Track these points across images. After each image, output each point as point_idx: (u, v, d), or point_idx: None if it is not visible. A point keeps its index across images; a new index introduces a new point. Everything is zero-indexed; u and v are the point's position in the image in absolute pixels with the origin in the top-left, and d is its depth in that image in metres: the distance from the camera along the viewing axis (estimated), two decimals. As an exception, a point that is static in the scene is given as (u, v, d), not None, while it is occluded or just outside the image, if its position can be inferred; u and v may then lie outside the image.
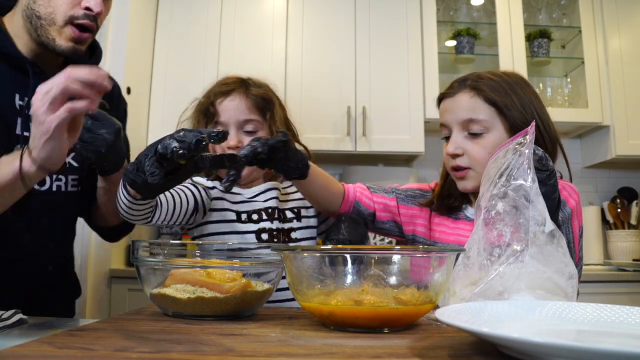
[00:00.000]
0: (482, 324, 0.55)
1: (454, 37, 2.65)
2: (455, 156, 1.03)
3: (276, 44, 2.48)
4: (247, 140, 1.13)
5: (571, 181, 1.10)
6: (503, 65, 2.47)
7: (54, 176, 1.06)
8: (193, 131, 0.75)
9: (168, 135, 0.76)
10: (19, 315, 0.77)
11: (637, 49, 2.56)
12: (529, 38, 2.61)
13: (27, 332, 0.73)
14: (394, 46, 2.52)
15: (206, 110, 1.16)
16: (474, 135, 1.02)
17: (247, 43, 2.48)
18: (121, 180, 0.90)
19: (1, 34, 1.02)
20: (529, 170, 0.71)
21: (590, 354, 0.39)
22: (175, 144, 0.74)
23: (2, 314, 0.76)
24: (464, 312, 0.57)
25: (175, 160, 0.75)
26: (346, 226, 1.02)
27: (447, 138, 1.08)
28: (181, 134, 0.75)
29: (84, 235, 1.97)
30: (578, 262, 1.07)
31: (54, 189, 1.06)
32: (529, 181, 0.70)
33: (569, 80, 2.72)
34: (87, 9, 0.99)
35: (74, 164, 1.10)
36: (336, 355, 0.48)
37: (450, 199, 1.13)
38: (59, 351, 0.47)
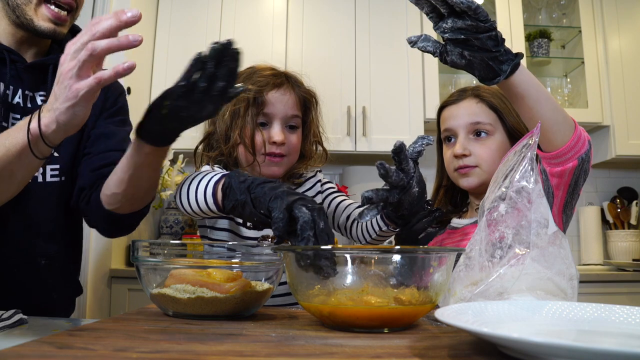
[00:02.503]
0: (482, 324, 0.55)
1: (454, 37, 2.65)
2: (462, 157, 1.09)
3: (276, 44, 2.48)
4: (290, 137, 1.12)
5: None
6: (503, 65, 2.47)
7: None
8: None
9: (315, 214, 0.71)
10: (19, 315, 0.77)
11: (637, 49, 2.56)
12: (529, 38, 2.61)
13: (27, 332, 0.73)
14: (394, 46, 2.52)
15: (254, 99, 1.11)
16: (479, 137, 1.10)
17: (247, 43, 2.45)
18: (210, 187, 0.83)
19: None
20: (531, 172, 0.71)
21: (590, 354, 0.39)
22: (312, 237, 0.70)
23: (2, 314, 0.76)
24: (464, 312, 0.57)
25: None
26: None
27: (449, 143, 1.15)
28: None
29: (84, 235, 1.96)
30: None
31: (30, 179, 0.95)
32: (531, 183, 0.70)
33: (568, 80, 2.72)
34: None
35: (55, 154, 1.03)
36: (336, 355, 0.48)
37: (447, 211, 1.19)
38: (59, 351, 0.47)
